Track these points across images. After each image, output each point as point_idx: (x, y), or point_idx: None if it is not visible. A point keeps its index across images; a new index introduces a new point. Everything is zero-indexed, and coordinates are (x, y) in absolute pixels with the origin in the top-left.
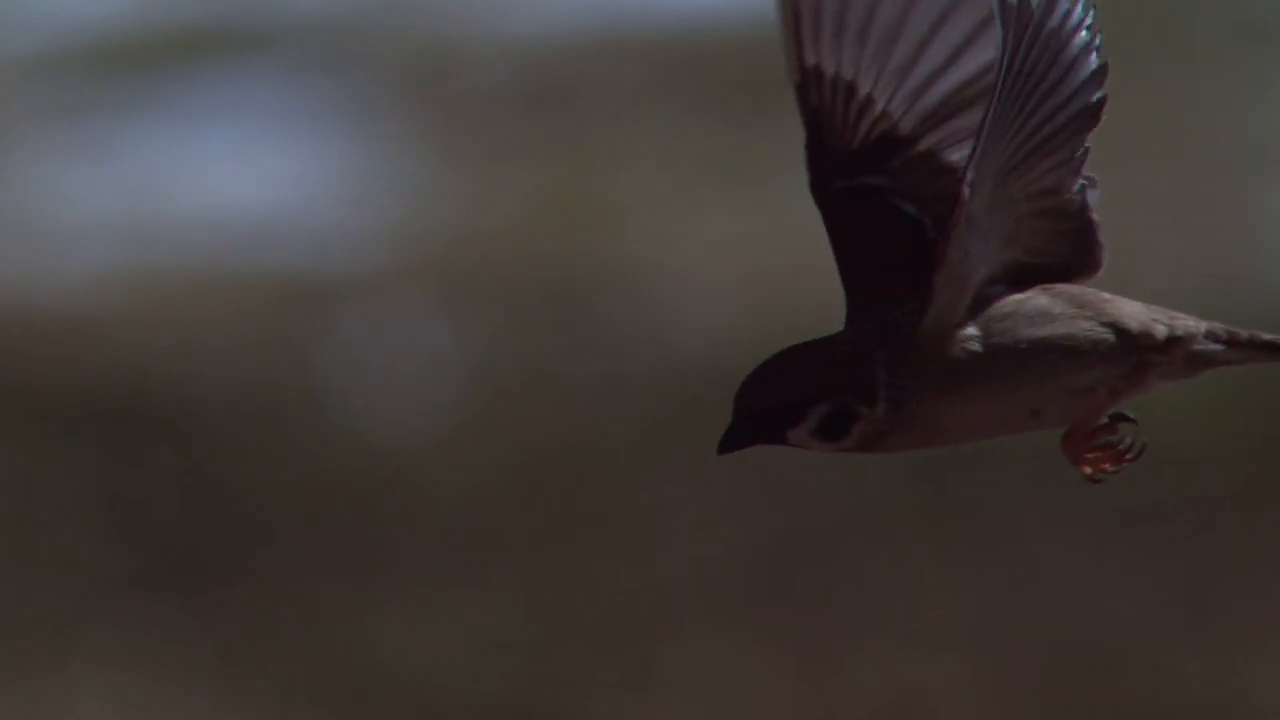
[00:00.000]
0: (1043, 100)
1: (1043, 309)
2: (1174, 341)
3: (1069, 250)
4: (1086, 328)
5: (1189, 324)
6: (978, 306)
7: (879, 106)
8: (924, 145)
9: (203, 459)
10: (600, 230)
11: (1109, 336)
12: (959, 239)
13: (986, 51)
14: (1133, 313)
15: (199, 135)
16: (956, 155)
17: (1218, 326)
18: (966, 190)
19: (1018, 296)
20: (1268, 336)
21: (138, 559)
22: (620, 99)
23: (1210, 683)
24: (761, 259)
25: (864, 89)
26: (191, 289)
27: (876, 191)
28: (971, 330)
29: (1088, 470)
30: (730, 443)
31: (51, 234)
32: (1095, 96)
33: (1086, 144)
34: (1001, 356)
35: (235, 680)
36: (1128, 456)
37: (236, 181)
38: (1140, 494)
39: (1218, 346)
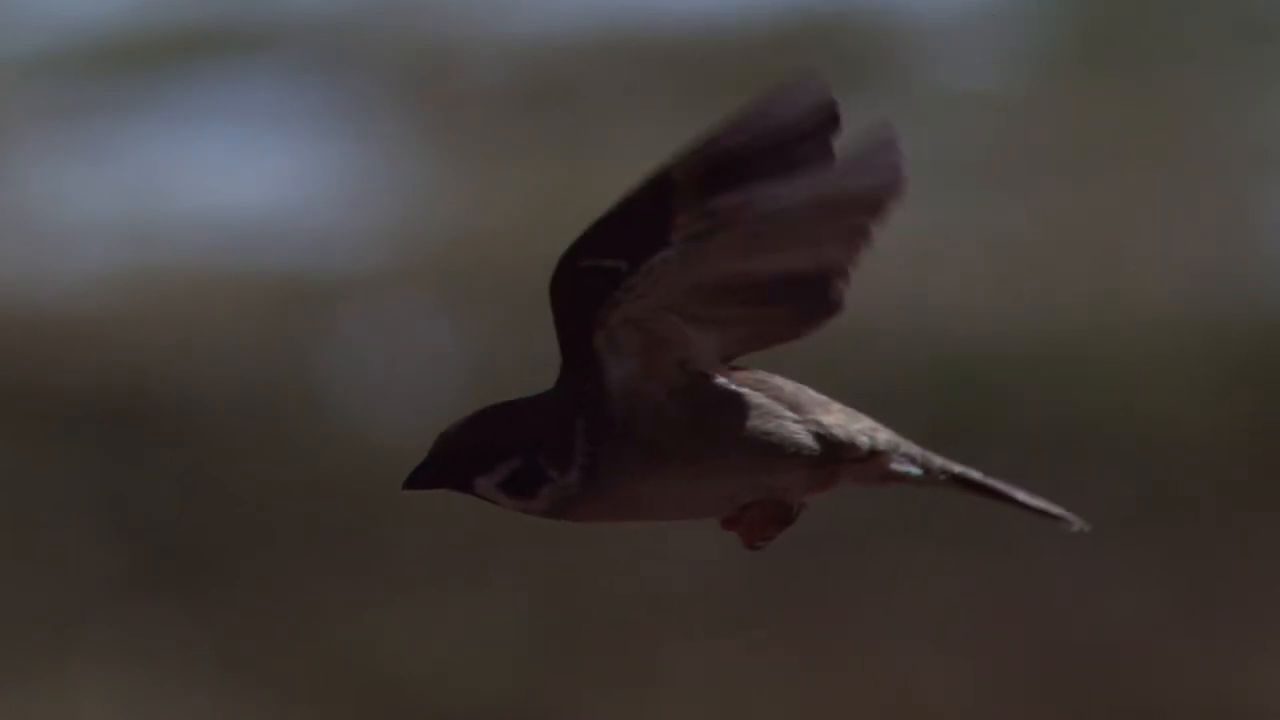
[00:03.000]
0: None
1: (756, 406)
2: (874, 455)
3: (800, 300)
4: (795, 431)
5: (890, 438)
6: (691, 391)
7: (712, 238)
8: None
9: (203, 459)
10: None
11: (814, 444)
12: (624, 302)
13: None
14: (840, 421)
15: (199, 135)
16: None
17: (914, 449)
18: (660, 256)
19: (734, 389)
20: (958, 468)
21: (138, 559)
22: (620, 99)
23: (1210, 683)
24: None
25: (710, 222)
26: (191, 289)
27: (613, 274)
28: (681, 416)
29: (748, 541)
30: (414, 481)
31: (51, 234)
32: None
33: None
34: (709, 448)
35: (235, 680)
36: (789, 522)
37: (236, 181)
38: (1140, 494)
39: (912, 468)
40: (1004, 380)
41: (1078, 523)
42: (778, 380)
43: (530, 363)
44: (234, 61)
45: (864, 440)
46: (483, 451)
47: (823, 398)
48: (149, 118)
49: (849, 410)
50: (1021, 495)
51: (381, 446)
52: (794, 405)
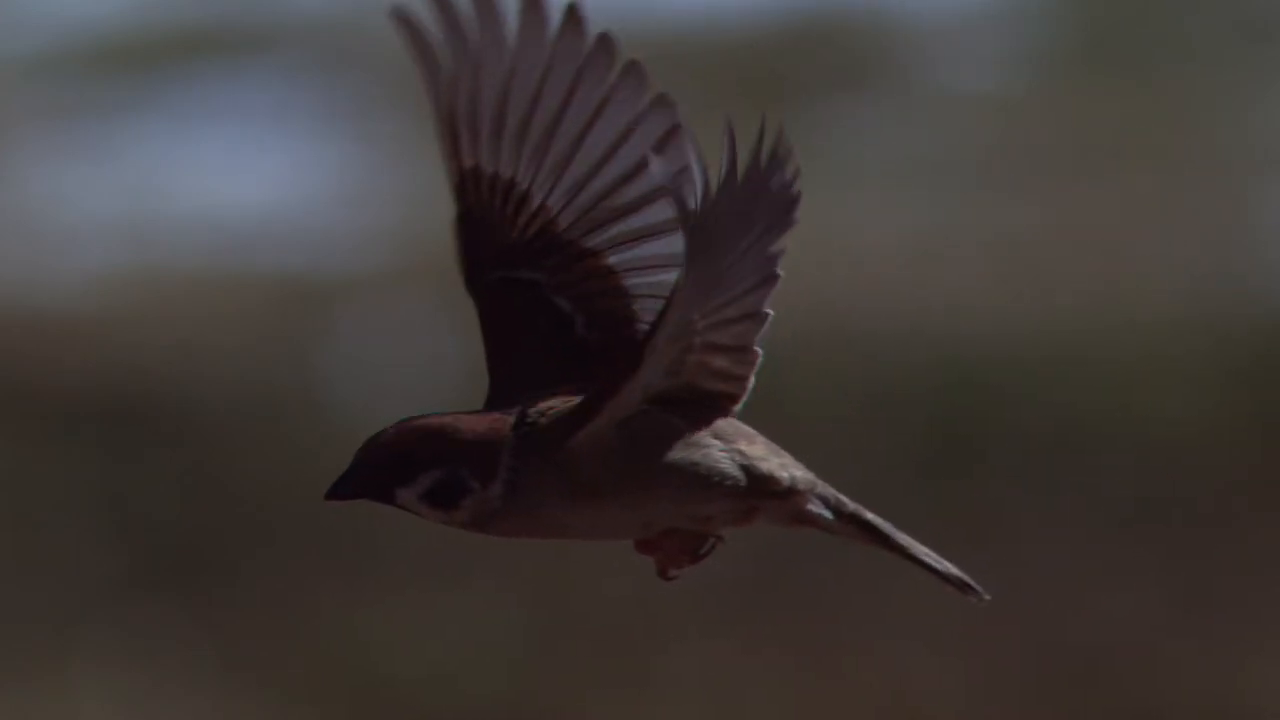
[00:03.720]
0: (733, 247)
1: (688, 440)
2: (792, 492)
3: (721, 391)
4: (720, 460)
5: (807, 477)
6: (629, 424)
7: (536, 202)
8: (581, 244)
9: (203, 459)
10: None
11: (739, 476)
12: (640, 378)
13: (637, 150)
14: (763, 454)
15: (199, 135)
16: (613, 258)
17: (829, 492)
18: (658, 337)
19: (667, 421)
20: (868, 516)
21: (138, 559)
22: None
23: (1209, 683)
24: None
25: (522, 185)
26: (191, 289)
27: (532, 285)
28: (613, 445)
29: (663, 570)
30: (336, 491)
31: (51, 234)
32: (775, 261)
33: (779, 271)
34: (634, 475)
35: (234, 679)
36: (702, 555)
37: (236, 181)
38: (1140, 494)
39: (825, 512)
40: (1004, 380)
41: (983, 596)
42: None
43: None
44: (234, 61)
45: (784, 475)
46: (405, 462)
47: (748, 429)
48: (149, 118)
49: (771, 445)
50: (925, 556)
51: None
52: (719, 434)
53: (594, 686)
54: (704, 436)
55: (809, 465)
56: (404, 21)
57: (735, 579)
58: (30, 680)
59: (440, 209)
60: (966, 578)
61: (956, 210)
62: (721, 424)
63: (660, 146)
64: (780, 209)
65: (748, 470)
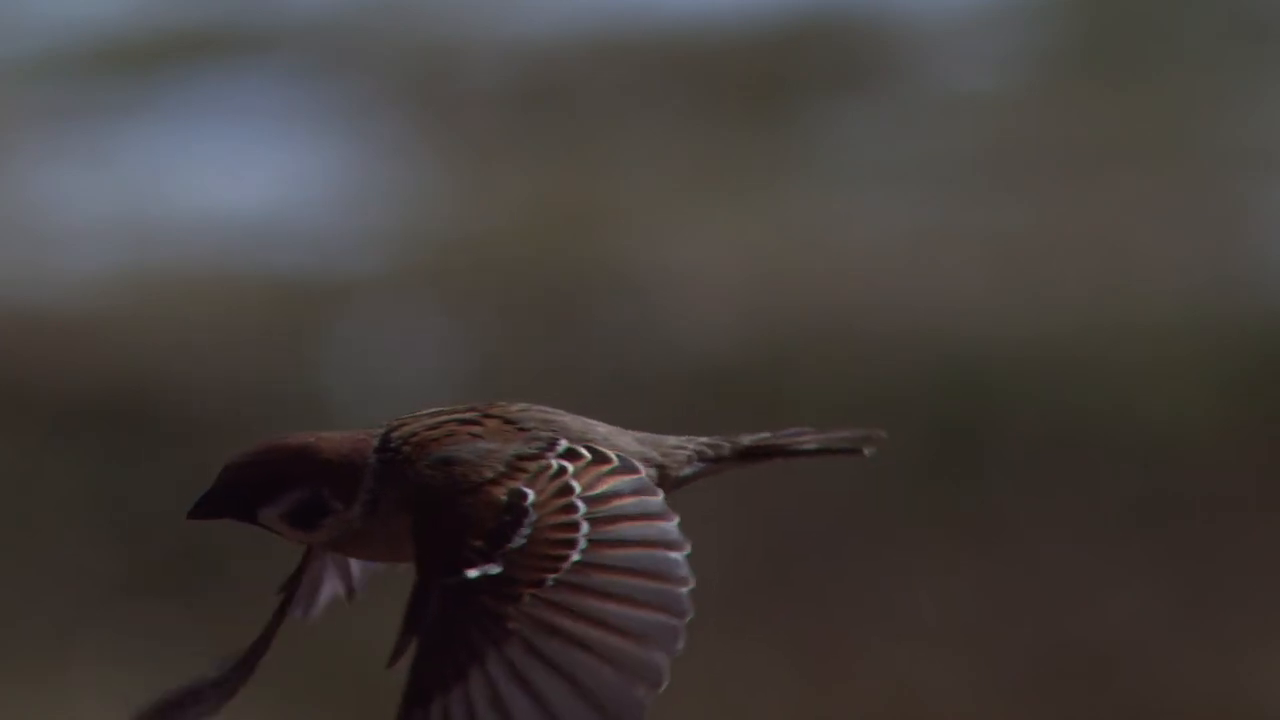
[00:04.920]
0: None
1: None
2: (662, 479)
3: None
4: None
5: (679, 454)
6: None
7: None
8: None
9: (203, 459)
10: (600, 231)
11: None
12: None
13: None
14: (626, 446)
15: (199, 136)
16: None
17: (702, 446)
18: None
19: (522, 430)
20: (747, 441)
21: (137, 559)
22: (620, 99)
23: (1210, 683)
24: (761, 260)
25: None
26: (191, 289)
27: None
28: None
29: None
30: (199, 509)
31: (51, 234)
32: None
33: None
34: None
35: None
36: None
37: (236, 182)
38: (1142, 493)
39: (700, 466)
40: (1004, 380)
41: (879, 435)
42: (564, 417)
43: (530, 362)
44: (234, 62)
45: (652, 470)
46: (268, 482)
47: (608, 428)
48: (149, 119)
49: (642, 436)
50: (809, 443)
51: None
52: (581, 439)
53: None
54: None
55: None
56: None
57: (736, 578)
58: (30, 680)
59: (440, 209)
60: (852, 436)
61: (956, 210)
62: (585, 430)
63: None
64: None
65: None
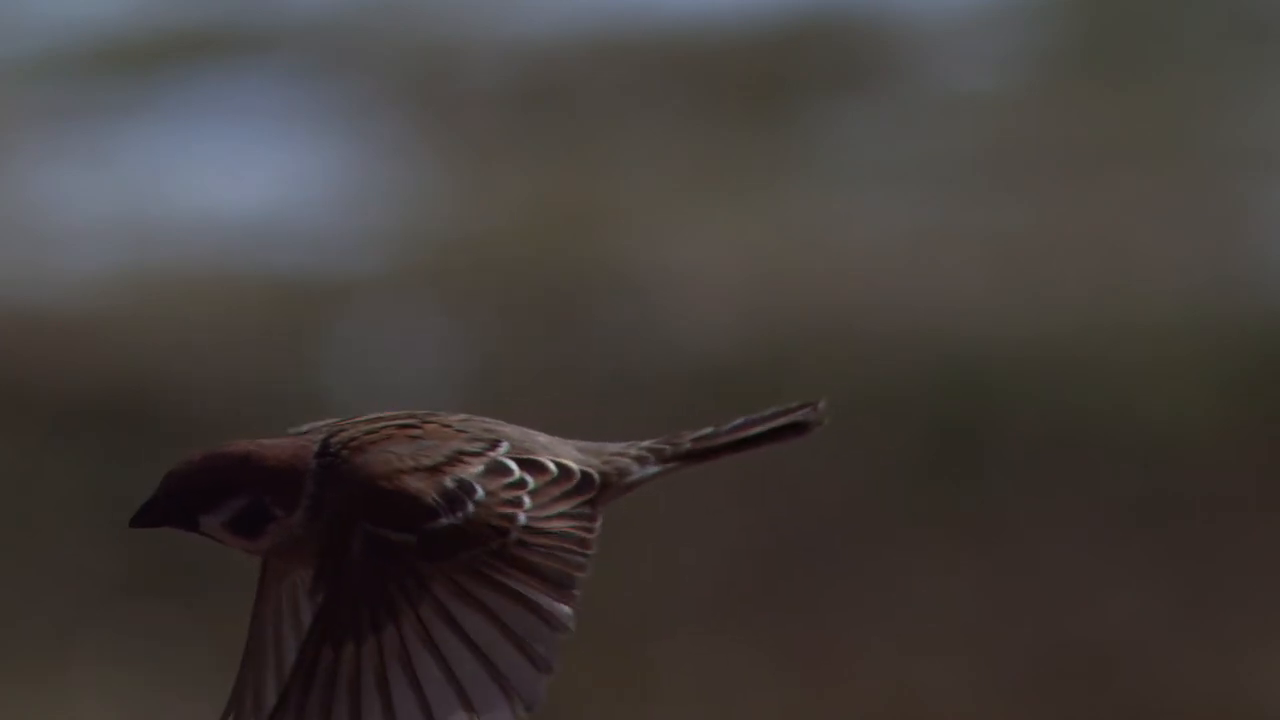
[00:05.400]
0: None
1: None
2: (605, 487)
3: None
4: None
5: (620, 462)
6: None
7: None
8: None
9: None
10: (600, 231)
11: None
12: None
13: None
14: (568, 454)
15: (199, 136)
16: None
17: (644, 451)
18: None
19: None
20: (687, 444)
21: (137, 559)
22: (620, 100)
23: (1210, 683)
24: (761, 260)
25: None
26: (191, 289)
27: None
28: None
29: None
30: (142, 517)
31: (51, 234)
32: None
33: None
34: None
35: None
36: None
37: (236, 182)
38: (1142, 493)
39: (647, 471)
40: (1004, 380)
41: (819, 412)
42: (505, 427)
43: (530, 362)
44: (234, 62)
45: (594, 477)
46: (210, 490)
47: (549, 438)
48: (149, 119)
49: (583, 445)
50: (754, 429)
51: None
52: (522, 451)
53: (597, 687)
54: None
55: (810, 466)
56: None
57: (735, 578)
58: (30, 680)
59: (440, 209)
60: (794, 415)
61: (956, 210)
62: (521, 438)
63: None
64: None
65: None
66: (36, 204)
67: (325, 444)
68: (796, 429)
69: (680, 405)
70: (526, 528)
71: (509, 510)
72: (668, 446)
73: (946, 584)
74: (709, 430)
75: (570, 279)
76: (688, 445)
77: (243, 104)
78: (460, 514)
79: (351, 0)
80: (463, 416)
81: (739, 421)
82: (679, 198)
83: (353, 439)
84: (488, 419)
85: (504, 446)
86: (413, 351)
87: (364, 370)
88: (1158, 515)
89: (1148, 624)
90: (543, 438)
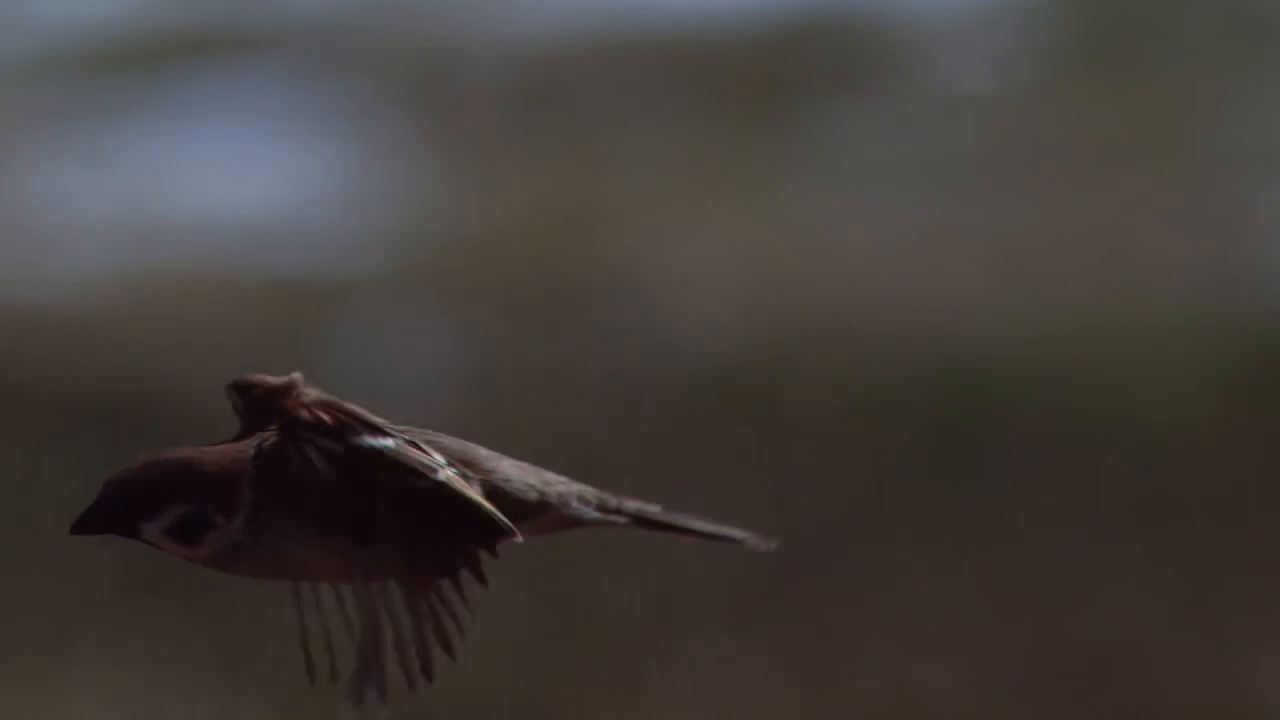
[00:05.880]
0: None
1: (424, 464)
2: (544, 507)
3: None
4: (463, 490)
5: (560, 489)
6: (359, 455)
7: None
8: None
9: None
10: (600, 231)
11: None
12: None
13: None
14: (507, 478)
15: (199, 136)
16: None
17: (589, 492)
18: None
19: (405, 451)
20: (633, 506)
21: (137, 560)
22: (620, 99)
23: (1210, 683)
24: (762, 260)
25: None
26: (191, 289)
27: None
28: (346, 478)
29: (424, 584)
30: (82, 524)
31: (51, 234)
32: None
33: None
34: (374, 510)
35: (235, 682)
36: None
37: (236, 182)
38: (1142, 493)
39: (588, 510)
40: (1004, 380)
41: (762, 543)
42: (446, 440)
43: (530, 362)
44: (234, 62)
45: (531, 496)
46: (150, 497)
47: (491, 453)
48: (149, 119)
49: (521, 464)
50: (699, 525)
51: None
52: (464, 461)
53: (594, 687)
54: (439, 462)
55: (810, 466)
56: None
57: (741, 579)
58: (30, 680)
59: (440, 209)
60: (742, 533)
61: (956, 210)
62: (464, 449)
63: None
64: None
65: (493, 495)
66: (36, 204)
67: (260, 446)
68: (737, 542)
69: (680, 405)
70: (445, 483)
71: (432, 461)
72: (612, 500)
73: (946, 584)
74: (656, 509)
75: (570, 279)
76: (633, 509)
77: (243, 104)
78: (388, 440)
79: (351, 0)
80: (404, 426)
81: (686, 515)
82: (679, 198)
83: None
84: (430, 430)
85: (441, 459)
86: (413, 351)
87: (364, 370)
88: (1158, 515)
89: (1148, 624)
90: (484, 451)
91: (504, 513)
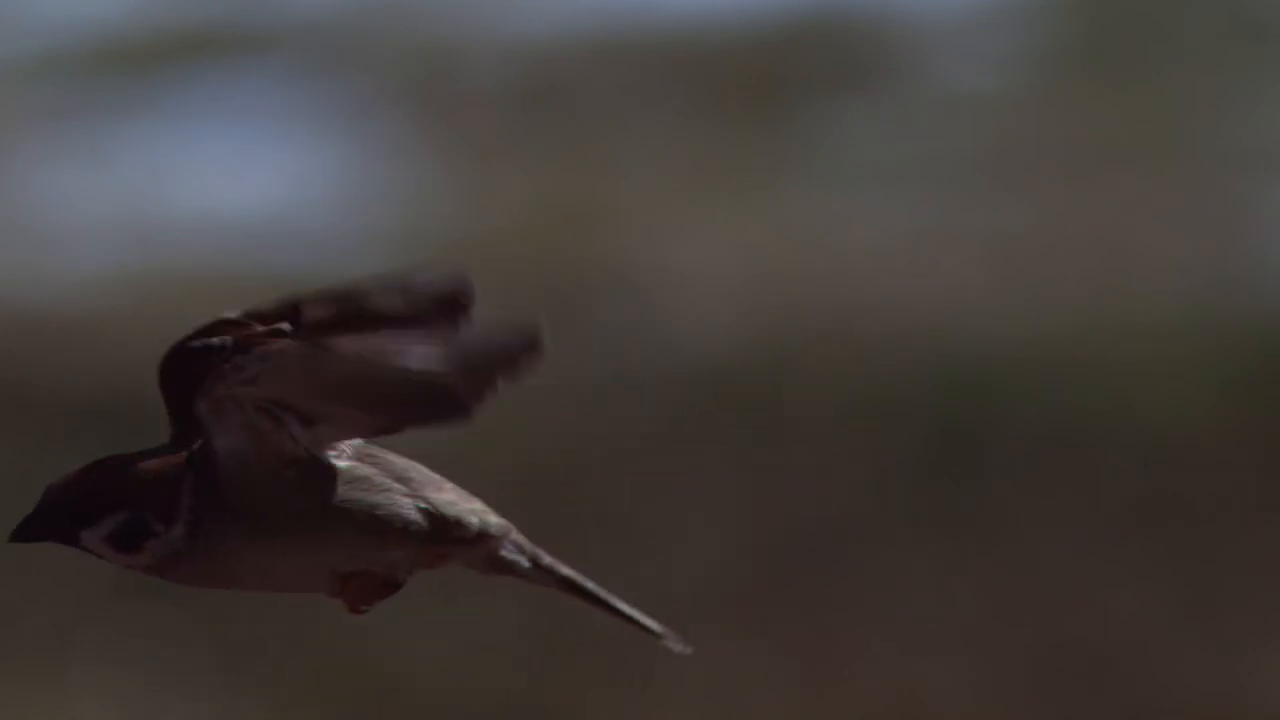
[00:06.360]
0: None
1: (363, 478)
2: (483, 538)
3: (422, 409)
4: (404, 505)
5: (500, 524)
6: (299, 464)
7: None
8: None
9: None
10: (600, 231)
11: (424, 522)
12: (230, 379)
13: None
14: (451, 499)
15: (199, 136)
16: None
17: (524, 541)
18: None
19: (344, 462)
20: (564, 570)
21: None
22: (620, 99)
23: (1210, 683)
24: (762, 260)
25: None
26: (191, 289)
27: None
28: (286, 488)
29: (354, 606)
30: (22, 532)
31: (51, 234)
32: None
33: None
34: (314, 521)
35: (235, 683)
36: (391, 588)
37: (236, 182)
38: (1142, 493)
39: (520, 558)
40: (1004, 380)
41: (677, 644)
42: (389, 455)
43: None
44: (234, 62)
45: (473, 521)
46: (89, 504)
47: (435, 476)
48: (149, 119)
49: (460, 491)
50: (622, 607)
51: (381, 446)
52: (403, 480)
53: (599, 687)
54: (387, 481)
55: (810, 466)
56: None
57: (735, 578)
58: (30, 681)
59: (440, 209)
60: (660, 629)
61: (956, 210)
62: (407, 468)
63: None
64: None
65: (432, 517)
66: (36, 204)
67: (192, 455)
68: (653, 635)
69: (680, 405)
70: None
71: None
72: (543, 556)
73: (946, 584)
74: (589, 587)
75: (570, 279)
76: (563, 573)
77: (243, 104)
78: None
79: (351, 0)
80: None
81: (611, 596)
82: (679, 198)
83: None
84: (375, 447)
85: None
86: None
87: None
88: (1158, 515)
89: (1148, 624)
90: (428, 472)
91: (444, 537)
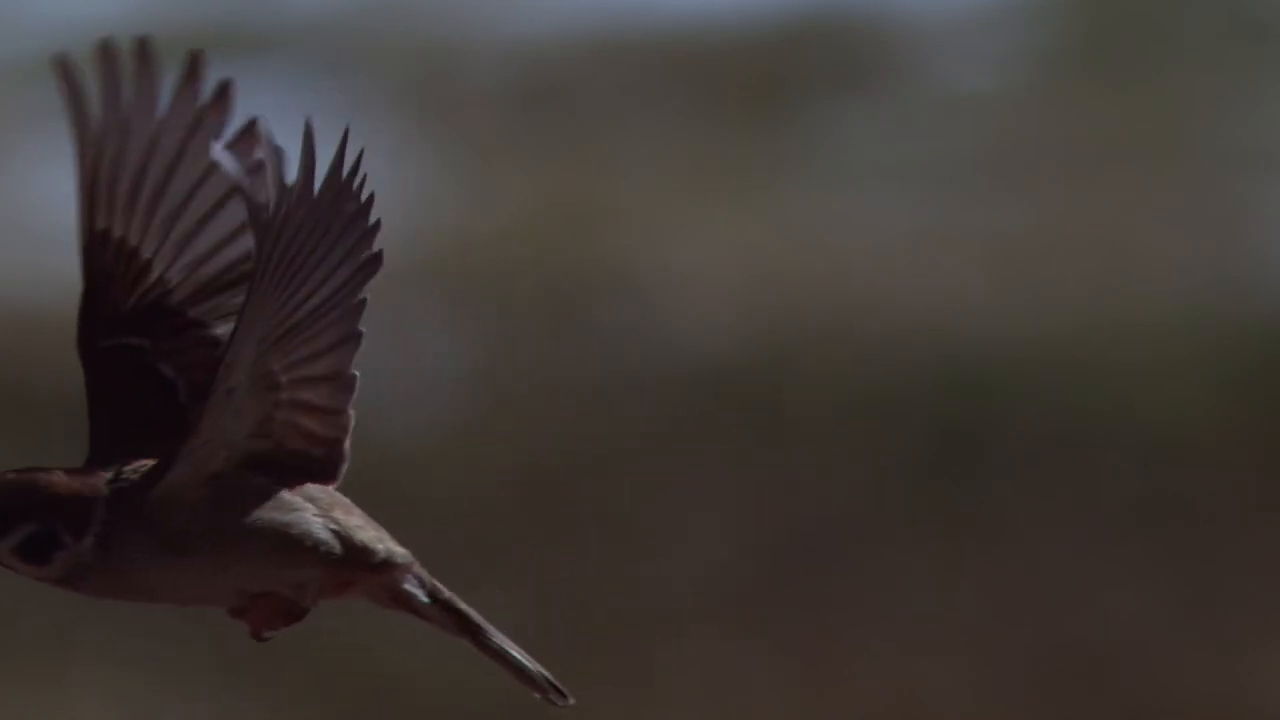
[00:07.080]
0: (308, 275)
1: (280, 501)
2: (388, 566)
3: (318, 457)
4: (314, 525)
5: (406, 555)
6: (217, 481)
7: (156, 273)
8: (193, 314)
9: None
10: (600, 232)
11: (334, 544)
12: (214, 413)
13: (240, 211)
14: (359, 524)
15: None
16: (222, 329)
17: (425, 575)
18: (224, 368)
19: (258, 482)
20: (461, 606)
21: None
22: (621, 100)
23: (1210, 683)
24: (761, 260)
25: (145, 255)
26: None
27: (139, 351)
28: (201, 502)
29: (257, 630)
30: None
31: (51, 234)
32: (367, 254)
33: (361, 329)
34: (222, 535)
35: (235, 683)
36: (296, 616)
37: None
38: (1142, 493)
39: (420, 594)
40: (1004, 380)
41: (559, 700)
42: (308, 484)
43: (530, 362)
44: (234, 64)
45: (380, 548)
46: (1, 514)
47: (345, 500)
48: None
49: (368, 518)
50: (513, 654)
51: (382, 446)
52: (314, 500)
53: (600, 686)
54: (298, 501)
55: (810, 466)
56: (63, 71)
57: (742, 579)
58: (30, 680)
59: (440, 209)
60: (553, 681)
61: (956, 210)
62: (318, 492)
63: (237, 147)
64: (356, 234)
65: (342, 539)
66: (36, 204)
67: (118, 472)
68: (539, 690)
69: (680, 405)
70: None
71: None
72: (443, 591)
73: (946, 584)
74: (485, 630)
75: (570, 279)
76: (460, 608)
77: (243, 105)
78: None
79: (351, 0)
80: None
81: (505, 640)
82: (679, 198)
83: (143, 465)
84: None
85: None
86: (414, 351)
87: (363, 370)
88: (1158, 515)
89: (1148, 624)
90: (339, 497)
91: (350, 562)
